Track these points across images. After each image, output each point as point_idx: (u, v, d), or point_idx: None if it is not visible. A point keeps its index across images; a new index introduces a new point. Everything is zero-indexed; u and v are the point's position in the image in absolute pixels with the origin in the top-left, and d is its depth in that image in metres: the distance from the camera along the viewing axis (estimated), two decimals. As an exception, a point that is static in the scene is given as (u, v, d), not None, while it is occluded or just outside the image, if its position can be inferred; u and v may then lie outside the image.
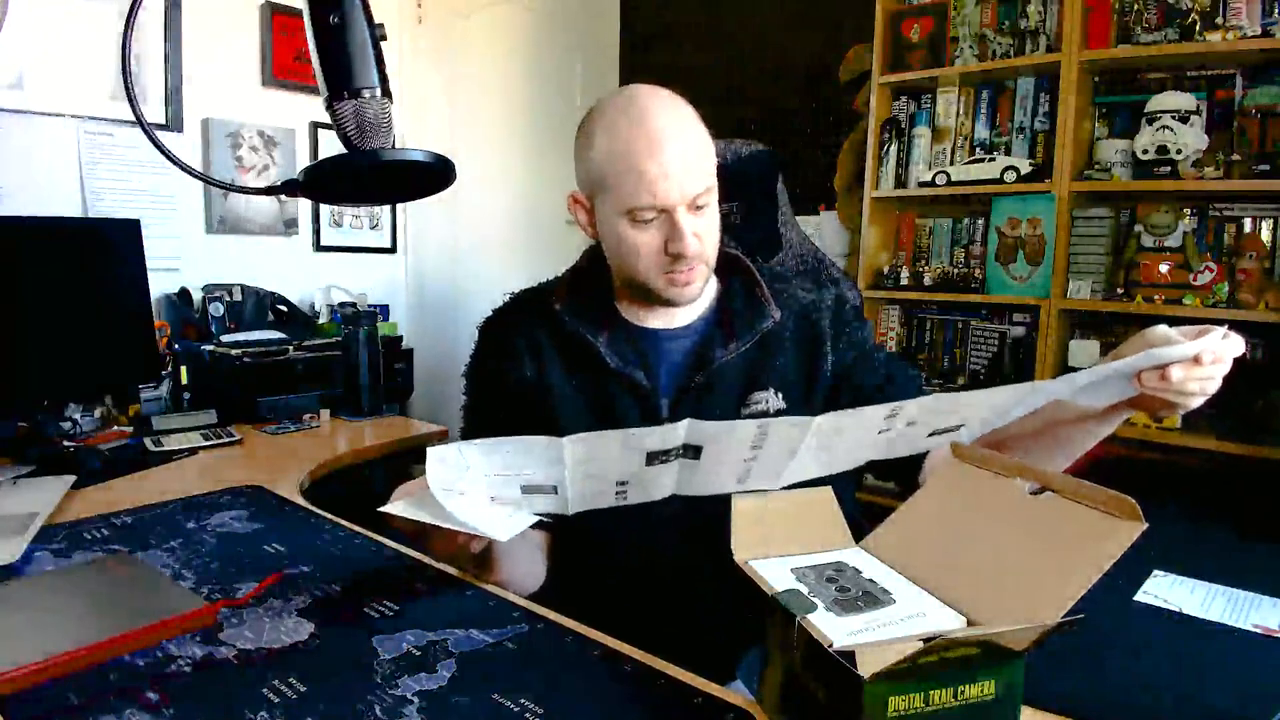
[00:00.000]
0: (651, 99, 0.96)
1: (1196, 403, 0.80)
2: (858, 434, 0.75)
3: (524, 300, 1.13)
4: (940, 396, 0.74)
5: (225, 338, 2.05)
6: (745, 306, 1.06)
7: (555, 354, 1.05)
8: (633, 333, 1.05)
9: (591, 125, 0.98)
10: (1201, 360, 0.76)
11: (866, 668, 0.53)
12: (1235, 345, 0.79)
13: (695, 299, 1.03)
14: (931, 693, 0.56)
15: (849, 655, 0.54)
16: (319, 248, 2.55)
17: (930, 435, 0.80)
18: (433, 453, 0.68)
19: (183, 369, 1.95)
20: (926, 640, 0.54)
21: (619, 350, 1.02)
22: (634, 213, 0.94)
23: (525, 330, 1.08)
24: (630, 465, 0.72)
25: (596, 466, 0.71)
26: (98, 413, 1.81)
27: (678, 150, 0.93)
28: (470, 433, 1.10)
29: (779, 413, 1.04)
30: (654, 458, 0.71)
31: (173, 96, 2.15)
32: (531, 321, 1.08)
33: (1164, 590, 0.98)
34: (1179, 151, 1.95)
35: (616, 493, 0.76)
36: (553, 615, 0.86)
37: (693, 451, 0.72)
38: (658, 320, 1.06)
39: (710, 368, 1.01)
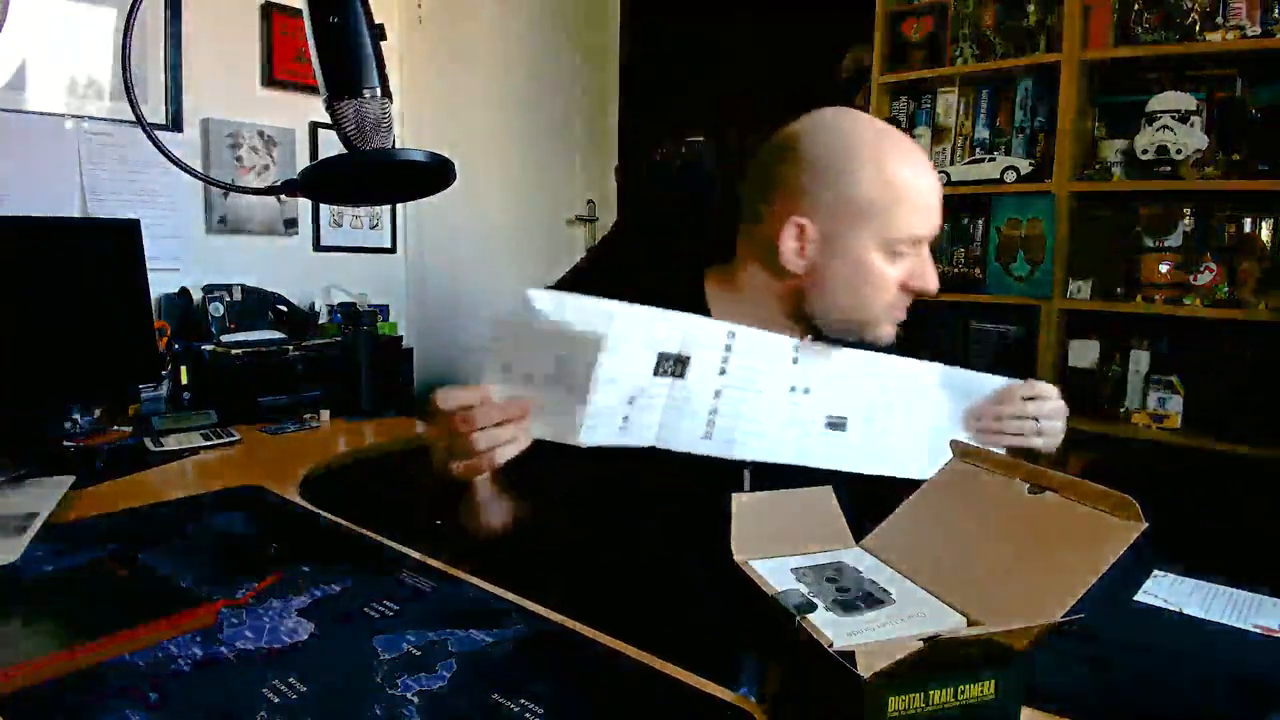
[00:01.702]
0: (892, 129, 0.95)
1: (1032, 443, 0.96)
2: (766, 362, 0.86)
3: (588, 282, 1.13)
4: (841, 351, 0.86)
5: (225, 338, 2.05)
6: None
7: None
8: None
9: (837, 149, 0.92)
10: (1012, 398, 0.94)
11: (866, 668, 0.53)
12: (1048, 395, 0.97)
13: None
14: (931, 693, 0.56)
15: (849, 655, 0.54)
16: (319, 248, 2.55)
17: (826, 424, 0.92)
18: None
19: (183, 369, 1.95)
20: (926, 640, 0.54)
21: None
22: (897, 244, 0.91)
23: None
24: (642, 367, 0.77)
25: (625, 347, 0.76)
26: (98, 413, 1.81)
27: (938, 187, 0.93)
28: None
29: None
30: (661, 363, 0.77)
31: (173, 96, 2.15)
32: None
33: (1164, 590, 0.98)
34: (1179, 151, 1.96)
35: (622, 416, 0.81)
36: (553, 615, 0.86)
37: (682, 366, 0.78)
38: (879, 341, 1.03)
39: None
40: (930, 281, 0.94)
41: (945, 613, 0.63)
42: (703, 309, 1.00)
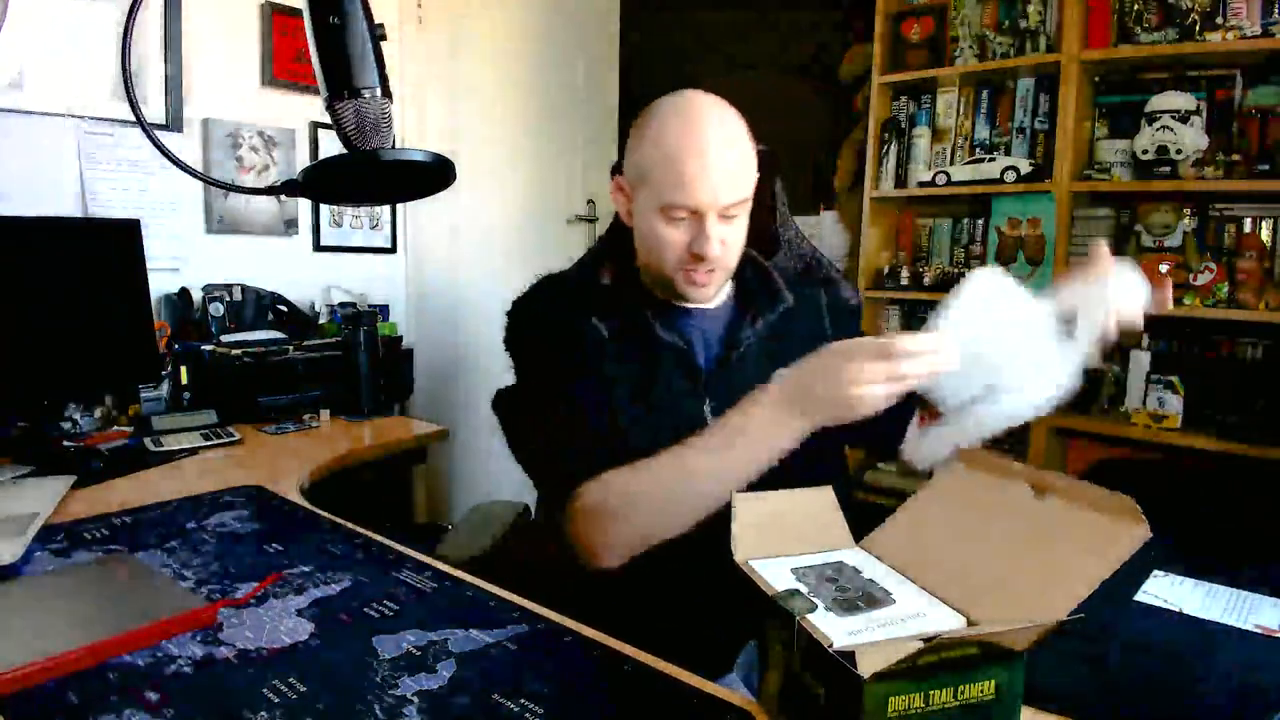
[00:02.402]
0: (706, 106, 1.00)
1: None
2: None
3: (559, 279, 1.16)
4: None
5: (225, 338, 2.05)
6: (761, 291, 1.13)
7: (602, 321, 1.07)
8: (670, 309, 1.09)
9: (646, 119, 1.02)
10: None
11: (866, 668, 0.53)
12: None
13: (709, 300, 1.08)
14: (931, 693, 0.56)
15: (849, 655, 0.54)
16: (319, 248, 2.54)
17: None
18: None
19: (183, 369, 1.95)
20: (926, 640, 0.54)
21: (664, 323, 1.07)
22: (668, 209, 0.98)
23: (570, 302, 1.10)
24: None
25: None
26: (98, 413, 1.81)
27: (719, 159, 0.97)
28: (549, 397, 1.06)
29: None
30: None
31: (173, 96, 2.15)
32: (575, 296, 1.11)
33: (1164, 590, 0.98)
34: (1179, 151, 1.95)
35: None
36: (553, 615, 0.86)
37: None
38: (687, 300, 1.10)
39: (742, 348, 1.07)
40: (703, 247, 0.98)
41: (945, 613, 0.63)
42: (647, 295, 1.09)
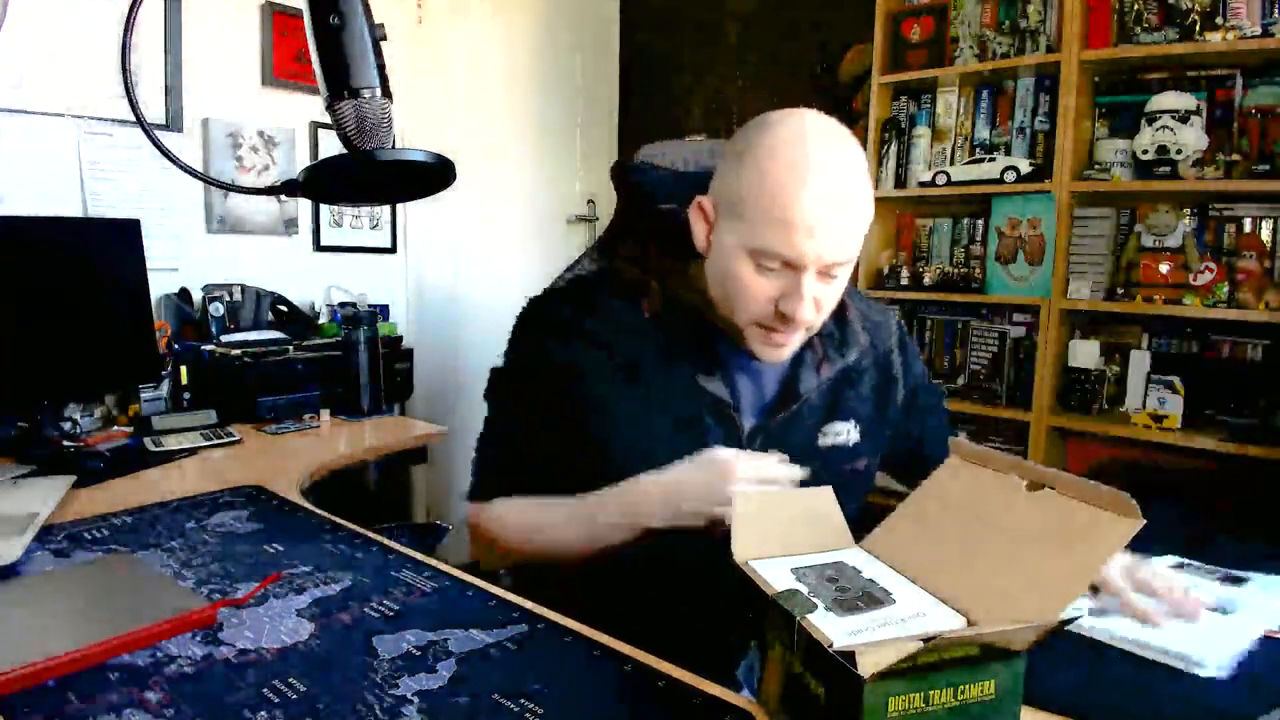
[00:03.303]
0: (828, 137, 0.86)
1: None
2: None
3: (586, 299, 1.01)
4: None
5: (225, 338, 2.05)
6: (833, 328, 1.01)
7: (650, 352, 0.97)
8: (722, 347, 0.98)
9: (752, 138, 0.87)
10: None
11: (866, 668, 0.53)
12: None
13: (781, 361, 0.95)
14: (931, 693, 0.56)
15: (849, 655, 0.54)
16: (319, 248, 2.54)
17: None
18: None
19: (183, 369, 1.95)
20: (926, 640, 0.54)
21: (710, 367, 0.97)
22: (759, 254, 0.85)
23: (616, 324, 0.98)
24: None
25: None
26: (98, 413, 1.81)
27: (835, 209, 0.83)
28: (528, 411, 1.01)
29: (855, 446, 1.02)
30: None
31: (173, 96, 2.15)
32: (622, 320, 0.99)
33: (1164, 590, 0.98)
34: (1179, 151, 1.95)
35: None
36: (553, 615, 0.86)
37: None
38: (752, 354, 0.97)
39: (801, 401, 0.98)
40: (793, 308, 0.85)
41: (945, 613, 0.63)
42: (694, 330, 0.99)
